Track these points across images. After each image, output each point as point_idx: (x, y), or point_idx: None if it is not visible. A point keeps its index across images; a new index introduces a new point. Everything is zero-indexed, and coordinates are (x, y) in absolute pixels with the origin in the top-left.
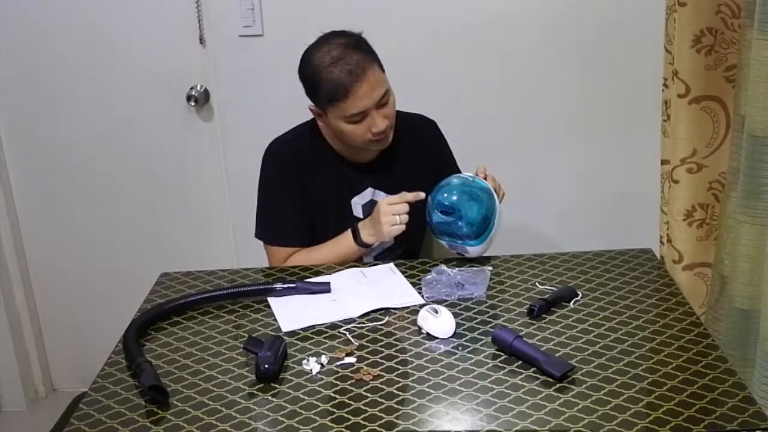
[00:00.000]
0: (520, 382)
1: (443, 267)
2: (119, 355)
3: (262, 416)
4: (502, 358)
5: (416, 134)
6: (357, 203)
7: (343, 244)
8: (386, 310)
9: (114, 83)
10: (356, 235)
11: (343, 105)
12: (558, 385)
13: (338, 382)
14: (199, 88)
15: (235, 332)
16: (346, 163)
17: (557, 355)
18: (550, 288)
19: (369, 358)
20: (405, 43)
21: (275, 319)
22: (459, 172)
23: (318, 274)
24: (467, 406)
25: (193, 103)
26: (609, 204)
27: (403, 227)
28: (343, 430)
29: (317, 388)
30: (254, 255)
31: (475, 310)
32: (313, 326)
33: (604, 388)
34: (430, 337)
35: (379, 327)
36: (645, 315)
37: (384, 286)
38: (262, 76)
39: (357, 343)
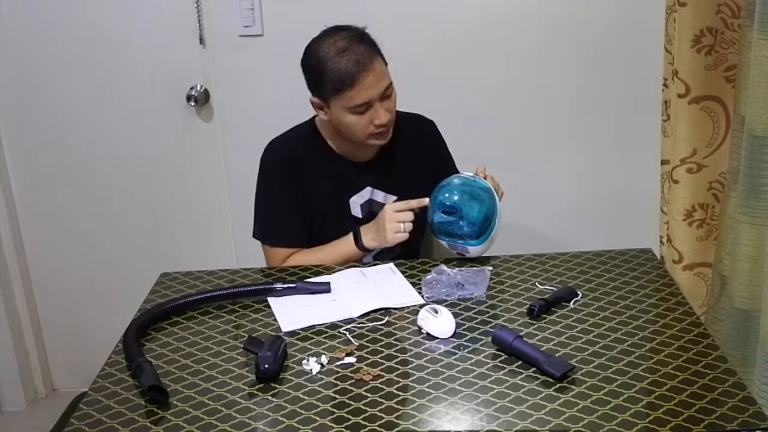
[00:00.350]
0: (520, 382)
1: (443, 267)
2: (119, 355)
3: (262, 416)
4: (502, 358)
5: (415, 134)
6: (355, 202)
7: (344, 246)
8: (386, 310)
9: (114, 83)
10: (357, 239)
11: (349, 94)
12: (558, 385)
13: (338, 382)
14: (199, 88)
15: (235, 332)
16: (345, 162)
17: (557, 355)
18: (550, 288)
19: (369, 358)
20: (405, 43)
21: (275, 319)
22: (457, 171)
23: (318, 274)
24: (467, 406)
25: (193, 103)
26: (609, 204)
27: (407, 235)
28: (343, 430)
29: (317, 388)
30: (254, 255)
31: (475, 310)
32: (313, 326)
33: (604, 388)
34: (430, 337)
35: (379, 327)
36: (645, 315)
37: (384, 286)
38: (262, 76)
39: (357, 343)
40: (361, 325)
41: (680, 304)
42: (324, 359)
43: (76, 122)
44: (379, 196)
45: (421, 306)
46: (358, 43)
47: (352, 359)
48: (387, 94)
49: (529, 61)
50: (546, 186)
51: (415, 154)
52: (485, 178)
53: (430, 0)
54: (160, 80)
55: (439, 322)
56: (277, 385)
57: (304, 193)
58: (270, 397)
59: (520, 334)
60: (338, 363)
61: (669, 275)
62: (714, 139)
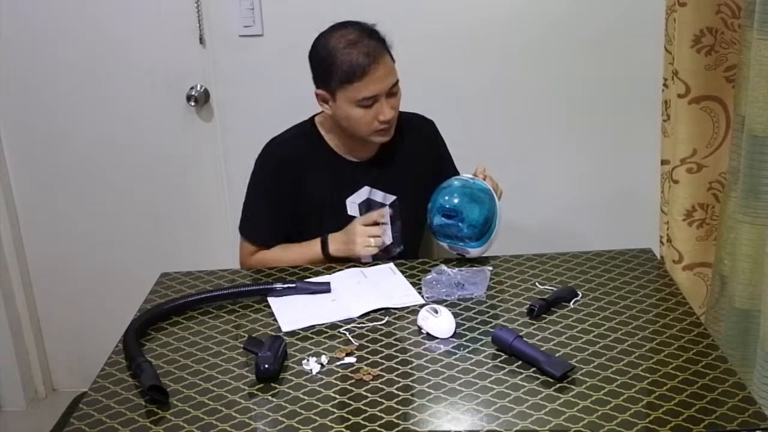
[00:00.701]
0: (520, 382)
1: (443, 267)
2: (119, 355)
3: (262, 416)
4: (502, 358)
5: (414, 134)
6: (353, 202)
7: (310, 250)
8: (386, 310)
9: (114, 83)
10: (324, 246)
11: (358, 86)
12: (558, 385)
13: (338, 382)
14: (199, 88)
15: (235, 332)
16: (343, 161)
17: (557, 355)
18: (550, 288)
19: (369, 358)
20: (405, 42)
21: (275, 319)
22: (456, 171)
23: (318, 274)
24: (467, 406)
25: (193, 103)
26: (609, 204)
27: (377, 249)
28: (343, 430)
29: (317, 388)
30: None
31: (475, 310)
32: (313, 326)
33: (604, 388)
34: (430, 337)
35: (379, 327)
36: (645, 315)
37: (384, 286)
38: (262, 76)
39: (357, 343)
40: (361, 325)
41: (680, 304)
42: (324, 359)
43: (76, 122)
44: (378, 195)
45: (421, 306)
46: (368, 37)
47: (352, 359)
48: (393, 91)
49: (529, 61)
50: (546, 186)
51: (414, 154)
52: (484, 179)
53: (432, 0)
54: (160, 80)
55: (439, 322)
56: (277, 385)
57: (296, 195)
58: (270, 397)
59: (520, 334)
60: (338, 363)
61: (669, 275)
62: (714, 139)
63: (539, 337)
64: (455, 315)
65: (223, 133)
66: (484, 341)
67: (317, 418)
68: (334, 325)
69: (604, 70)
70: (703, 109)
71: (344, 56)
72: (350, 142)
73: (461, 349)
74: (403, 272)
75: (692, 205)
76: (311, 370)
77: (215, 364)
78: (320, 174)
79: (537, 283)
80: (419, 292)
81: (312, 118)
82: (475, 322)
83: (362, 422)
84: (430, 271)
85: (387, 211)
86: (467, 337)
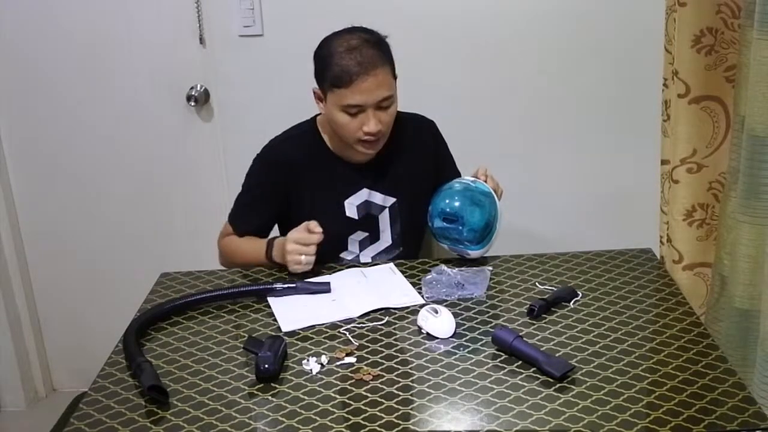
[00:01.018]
0: (520, 382)
1: (443, 267)
2: (119, 355)
3: (262, 416)
4: (502, 358)
5: (414, 134)
6: (351, 204)
7: (259, 249)
8: (386, 310)
9: (114, 83)
10: (269, 248)
11: (344, 92)
12: (558, 385)
13: (338, 382)
14: (199, 88)
15: (235, 332)
16: (342, 162)
17: (557, 355)
18: (550, 288)
19: (369, 358)
20: (406, 42)
21: (275, 319)
22: (457, 172)
23: (318, 274)
24: (467, 406)
25: (193, 103)
26: (609, 204)
27: (309, 267)
28: (343, 430)
29: (317, 388)
30: None
31: (475, 310)
32: (313, 326)
33: (604, 388)
34: (430, 337)
35: (379, 327)
36: (645, 315)
37: (384, 286)
38: (262, 76)
39: (357, 343)
40: (361, 325)
41: (680, 304)
42: (324, 359)
43: (76, 122)
44: (378, 198)
45: (421, 306)
46: (370, 46)
47: (352, 359)
48: (384, 105)
49: (529, 61)
50: (546, 186)
51: (415, 155)
52: (485, 181)
53: (431, 0)
54: (160, 80)
55: (439, 322)
56: (277, 385)
57: (291, 197)
58: (270, 397)
59: (520, 334)
60: (338, 363)
61: (669, 275)
62: (714, 139)
63: (539, 337)
64: (455, 315)
65: (223, 133)
66: (484, 341)
67: (317, 418)
68: (334, 325)
69: (604, 70)
70: (703, 109)
71: (338, 60)
72: (347, 144)
73: (461, 349)
74: (403, 272)
75: (692, 205)
76: (311, 370)
77: (215, 364)
78: (319, 175)
79: (537, 283)
80: (419, 292)
81: (314, 118)
82: (475, 322)
83: (362, 422)
84: (430, 271)
85: (354, 236)
86: (467, 337)
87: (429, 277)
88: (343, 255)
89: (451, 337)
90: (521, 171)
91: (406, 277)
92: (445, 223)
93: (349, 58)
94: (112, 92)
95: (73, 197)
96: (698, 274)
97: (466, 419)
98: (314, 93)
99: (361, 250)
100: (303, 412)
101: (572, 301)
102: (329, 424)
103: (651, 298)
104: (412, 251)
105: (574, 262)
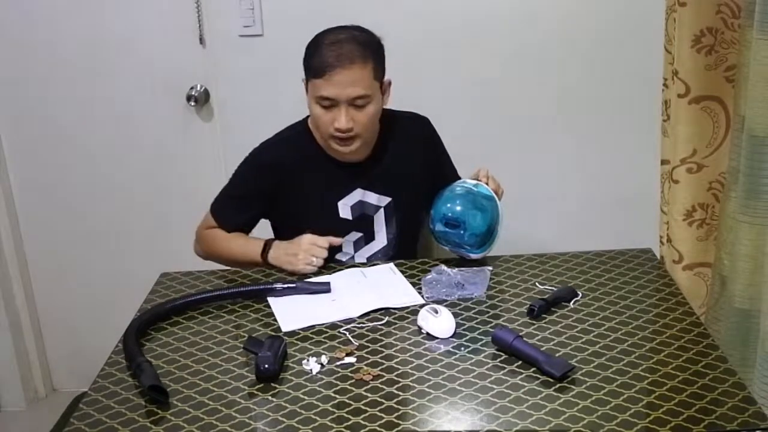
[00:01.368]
0: (520, 382)
1: (443, 267)
2: (119, 355)
3: (262, 416)
4: (502, 358)
5: (409, 132)
6: (345, 205)
7: (252, 249)
8: (386, 310)
9: (114, 83)
10: (266, 250)
11: (317, 84)
12: (558, 385)
13: (338, 382)
14: (199, 88)
15: (235, 332)
16: (334, 163)
17: (557, 355)
18: (550, 288)
19: (369, 358)
20: (406, 42)
21: (275, 319)
22: (454, 168)
23: (318, 274)
24: (467, 406)
25: (193, 103)
26: (609, 204)
27: (315, 269)
28: (343, 430)
29: (317, 388)
30: None
31: (475, 310)
32: (313, 326)
33: (604, 388)
34: (430, 337)
35: (379, 327)
36: (645, 315)
37: (384, 286)
38: (262, 76)
39: (357, 343)
40: (361, 325)
41: (680, 304)
42: (324, 359)
43: (76, 122)
44: (372, 198)
45: (421, 306)
46: (355, 43)
47: (352, 359)
48: (358, 104)
49: (529, 61)
50: (546, 186)
51: (410, 154)
52: (487, 183)
53: (431, 1)
54: (160, 80)
55: (439, 322)
56: (277, 385)
57: (278, 198)
58: (270, 397)
59: (520, 334)
60: (338, 363)
61: (669, 275)
62: (714, 139)
63: (539, 337)
64: (455, 315)
65: (223, 133)
66: (484, 341)
67: (317, 418)
68: (334, 325)
69: (604, 70)
70: (703, 109)
71: (319, 50)
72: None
73: (461, 349)
74: (403, 272)
75: (692, 205)
76: (311, 370)
77: (215, 364)
78: (311, 176)
79: (537, 283)
80: (419, 292)
81: (305, 119)
82: (475, 322)
83: (362, 422)
84: (430, 271)
85: (349, 237)
86: (467, 337)
87: (429, 277)
88: (338, 256)
89: (451, 337)
90: (521, 171)
91: (406, 277)
92: (447, 228)
93: (329, 50)
94: (112, 92)
95: (72, 197)
96: (698, 274)
97: (466, 419)
98: (304, 83)
99: (355, 251)
100: (303, 412)
101: (572, 301)
102: (329, 424)
103: (651, 298)
104: (407, 251)
105: (574, 262)
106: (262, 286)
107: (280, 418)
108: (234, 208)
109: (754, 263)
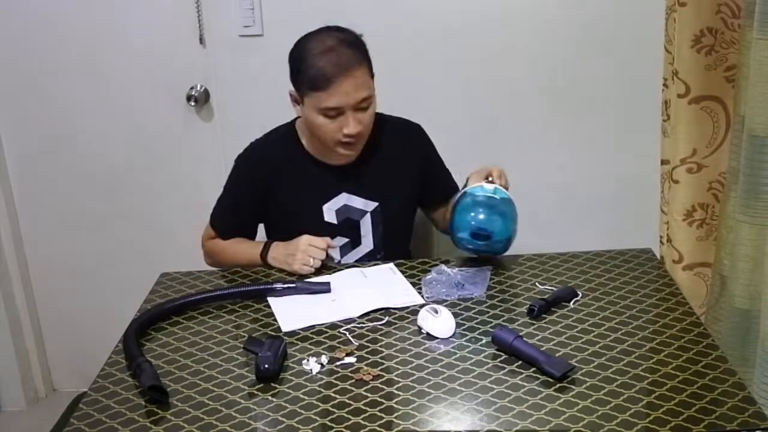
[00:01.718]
0: (520, 382)
1: (443, 267)
2: (119, 355)
3: (262, 416)
4: (502, 358)
5: (400, 139)
6: (330, 209)
7: (252, 251)
8: (386, 310)
9: (114, 83)
10: (265, 251)
11: (322, 96)
12: (558, 385)
13: (338, 382)
14: (199, 88)
15: (235, 332)
16: (320, 166)
17: (557, 355)
18: (550, 288)
19: (369, 358)
20: (405, 42)
21: (275, 319)
22: (447, 172)
23: (318, 274)
24: (467, 406)
25: (193, 103)
26: (609, 204)
27: (312, 270)
28: (343, 430)
29: (317, 388)
30: None
31: (475, 310)
32: (313, 326)
33: (604, 388)
34: (430, 337)
35: (379, 327)
36: (645, 315)
37: (384, 286)
38: (262, 76)
39: (357, 343)
40: (361, 325)
41: (680, 304)
42: (324, 359)
43: (76, 122)
44: (358, 202)
45: (421, 306)
46: (346, 46)
47: (352, 359)
48: (363, 105)
49: (528, 61)
50: (546, 186)
51: (399, 160)
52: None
53: (430, 1)
54: (160, 80)
55: (439, 322)
56: (277, 385)
57: (269, 199)
58: (270, 397)
59: (520, 334)
60: (338, 363)
61: (669, 275)
62: (714, 139)
63: (539, 337)
64: (455, 315)
65: (223, 133)
66: (484, 341)
67: (317, 418)
68: (334, 325)
69: (604, 70)
70: (703, 109)
71: (314, 62)
72: (325, 146)
73: (461, 349)
74: (403, 272)
75: (692, 205)
76: (311, 370)
77: (215, 364)
78: (296, 179)
79: (537, 283)
80: (419, 292)
81: (293, 121)
82: (475, 322)
83: (362, 422)
84: (430, 271)
85: (335, 242)
86: (467, 337)
87: (429, 277)
88: (324, 261)
89: (451, 337)
90: (521, 171)
91: (406, 277)
92: (475, 240)
93: (326, 59)
94: (112, 92)
95: (72, 197)
96: (698, 274)
97: (466, 419)
98: (291, 96)
99: (342, 256)
100: (303, 412)
101: (572, 301)
102: (329, 424)
103: (651, 298)
104: (396, 255)
105: (574, 262)
106: (262, 286)
107: (280, 418)
108: (229, 215)
109: (754, 263)
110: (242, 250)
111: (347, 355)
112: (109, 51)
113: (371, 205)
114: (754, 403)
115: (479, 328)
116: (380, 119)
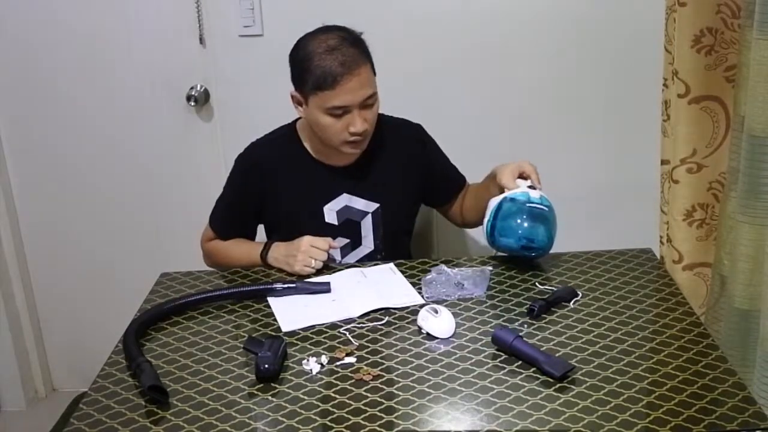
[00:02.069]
0: (520, 382)
1: (443, 267)
2: (119, 355)
3: (262, 416)
4: (502, 358)
5: (400, 140)
6: (331, 209)
7: (253, 251)
8: (386, 310)
9: (114, 83)
10: (265, 251)
11: (328, 95)
12: (558, 385)
13: (338, 382)
14: (199, 88)
15: (235, 332)
16: (321, 167)
17: (557, 355)
18: (550, 288)
19: (369, 358)
20: (406, 43)
21: (275, 319)
22: (453, 168)
23: (318, 274)
24: (467, 406)
25: (193, 103)
26: (609, 204)
27: (314, 270)
28: (343, 430)
29: (317, 388)
30: None
31: (475, 310)
32: (313, 326)
33: (604, 388)
34: (430, 337)
35: (379, 327)
36: (645, 315)
37: (384, 286)
38: (262, 76)
39: (357, 343)
40: (361, 325)
41: (680, 304)
42: (324, 359)
43: (76, 122)
44: (360, 203)
45: (421, 306)
46: (349, 45)
47: (352, 359)
48: (368, 103)
49: (528, 62)
50: (545, 186)
51: (400, 161)
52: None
53: (431, 1)
54: (160, 80)
55: (439, 322)
56: (277, 385)
57: (269, 199)
58: (270, 397)
59: (520, 334)
60: (338, 363)
61: (669, 275)
62: (714, 139)
63: (539, 337)
64: (455, 315)
65: (223, 133)
66: (484, 341)
67: (317, 418)
68: (334, 325)
69: (604, 70)
70: (703, 109)
71: (319, 62)
72: (327, 147)
73: (461, 349)
74: (403, 272)
75: (692, 205)
76: (311, 370)
77: (215, 364)
78: (297, 180)
79: (537, 283)
80: (419, 292)
81: (294, 122)
82: (475, 322)
83: (362, 422)
84: (430, 271)
85: (336, 243)
86: (467, 337)
87: (429, 277)
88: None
89: (451, 337)
90: None
91: (406, 277)
92: (524, 251)
93: (331, 58)
94: (112, 92)
95: (72, 197)
96: (698, 274)
97: (466, 419)
98: (292, 97)
99: (342, 257)
100: (303, 412)
101: (572, 301)
102: (329, 424)
103: (651, 298)
104: (397, 256)
105: (574, 262)
106: (262, 286)
107: (280, 418)
108: (228, 216)
109: (754, 263)
110: (242, 250)
111: (347, 355)
112: (109, 51)
113: (372, 206)
114: (754, 403)
115: (479, 328)
116: (380, 120)
